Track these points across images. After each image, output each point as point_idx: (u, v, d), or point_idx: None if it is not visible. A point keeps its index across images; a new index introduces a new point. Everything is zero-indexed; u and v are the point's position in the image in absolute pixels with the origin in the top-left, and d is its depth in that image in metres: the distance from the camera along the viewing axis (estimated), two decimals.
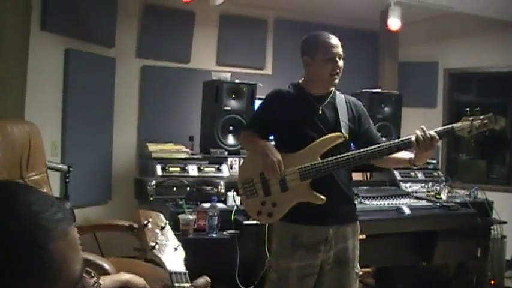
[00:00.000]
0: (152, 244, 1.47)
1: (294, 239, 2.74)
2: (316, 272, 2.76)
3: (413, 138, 2.64)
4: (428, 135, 2.62)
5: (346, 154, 2.70)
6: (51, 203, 0.88)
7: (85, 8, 4.92)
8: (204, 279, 1.39)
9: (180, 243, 1.52)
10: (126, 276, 1.55)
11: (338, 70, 2.79)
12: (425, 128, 2.65)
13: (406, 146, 2.70)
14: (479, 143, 6.34)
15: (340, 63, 2.79)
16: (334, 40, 2.80)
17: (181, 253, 1.49)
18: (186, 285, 1.36)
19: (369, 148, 2.71)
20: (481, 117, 2.68)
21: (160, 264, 1.47)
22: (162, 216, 1.58)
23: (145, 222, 1.52)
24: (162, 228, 1.54)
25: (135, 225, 1.55)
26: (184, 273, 1.41)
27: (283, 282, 2.77)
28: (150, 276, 1.88)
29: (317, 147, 2.72)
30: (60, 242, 0.85)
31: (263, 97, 3.08)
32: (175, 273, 1.40)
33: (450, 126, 2.71)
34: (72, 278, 0.87)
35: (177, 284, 1.36)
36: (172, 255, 1.47)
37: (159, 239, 1.50)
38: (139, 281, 1.55)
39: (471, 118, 2.68)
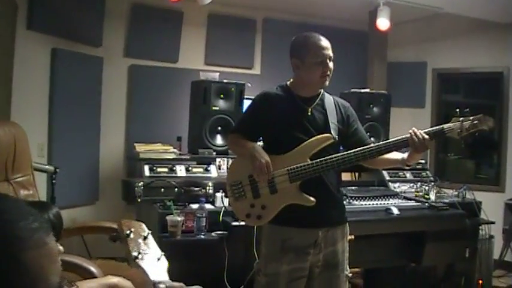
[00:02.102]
0: (135, 254, 1.46)
1: (283, 242, 2.70)
2: (305, 275, 2.73)
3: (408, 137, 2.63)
4: (421, 136, 2.61)
5: (336, 155, 2.67)
6: (26, 212, 0.85)
7: (72, 7, 4.86)
8: None
9: (163, 253, 1.50)
10: (113, 280, 1.52)
11: (328, 72, 2.75)
12: (416, 130, 2.64)
13: (398, 146, 2.68)
14: (468, 144, 6.36)
15: (331, 65, 2.74)
16: (325, 42, 2.75)
17: (164, 263, 1.48)
18: None
19: (360, 149, 2.68)
20: (471, 118, 2.66)
21: None
22: (144, 225, 1.57)
23: (128, 232, 1.52)
24: (145, 238, 1.53)
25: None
26: (168, 283, 1.39)
27: (273, 287, 2.74)
28: (138, 279, 1.85)
29: (307, 148, 2.69)
30: (37, 251, 0.82)
31: (252, 97, 3.05)
32: (159, 283, 1.38)
33: (440, 127, 2.70)
34: None
35: None
36: (156, 265, 1.45)
37: (141, 248, 1.49)
38: (127, 284, 1.52)
39: (461, 119, 2.66)
